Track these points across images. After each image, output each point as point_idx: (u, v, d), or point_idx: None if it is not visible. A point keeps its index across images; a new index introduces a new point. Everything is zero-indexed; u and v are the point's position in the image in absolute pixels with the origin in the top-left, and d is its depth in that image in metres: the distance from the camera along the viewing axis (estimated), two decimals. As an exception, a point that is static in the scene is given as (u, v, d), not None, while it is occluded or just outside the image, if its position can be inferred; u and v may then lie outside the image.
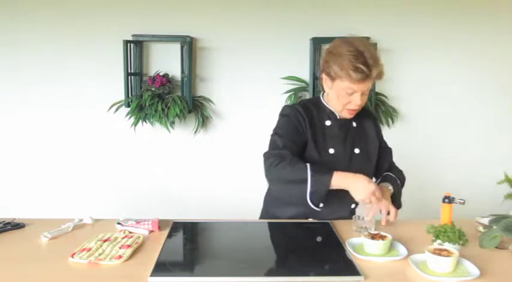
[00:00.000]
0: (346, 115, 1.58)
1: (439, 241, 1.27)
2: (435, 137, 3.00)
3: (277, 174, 1.48)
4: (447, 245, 1.24)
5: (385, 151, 1.74)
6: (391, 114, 2.90)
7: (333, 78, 1.51)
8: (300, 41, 2.85)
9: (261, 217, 1.78)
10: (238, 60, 2.89)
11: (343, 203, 1.60)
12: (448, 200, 1.45)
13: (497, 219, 1.36)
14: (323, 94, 1.65)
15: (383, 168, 1.71)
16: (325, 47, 2.82)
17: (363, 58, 1.43)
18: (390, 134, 2.92)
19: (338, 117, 1.62)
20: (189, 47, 2.75)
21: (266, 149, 1.59)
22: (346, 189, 1.44)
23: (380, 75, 1.48)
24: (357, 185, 1.42)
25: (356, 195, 1.43)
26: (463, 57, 2.94)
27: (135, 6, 2.81)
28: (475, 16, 2.89)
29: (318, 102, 1.64)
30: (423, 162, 2.99)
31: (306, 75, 2.87)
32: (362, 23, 2.85)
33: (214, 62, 2.89)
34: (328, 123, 1.61)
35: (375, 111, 2.83)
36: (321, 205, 1.47)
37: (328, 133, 1.60)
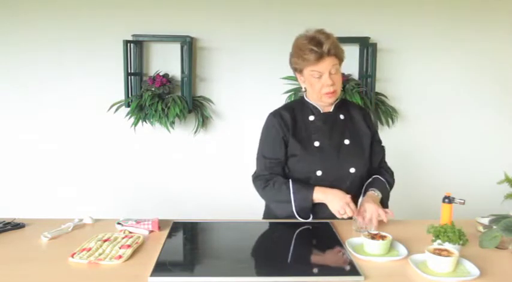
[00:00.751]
0: (327, 99, 1.61)
1: (439, 241, 1.27)
2: (435, 137, 3.00)
3: (266, 196, 1.67)
4: (447, 245, 1.25)
5: (377, 146, 1.75)
6: (391, 114, 2.90)
7: (300, 71, 1.61)
8: (300, 41, 2.85)
9: (264, 217, 1.78)
10: (238, 60, 2.89)
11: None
12: (448, 200, 1.46)
13: (497, 219, 1.36)
14: (304, 93, 1.71)
15: (373, 164, 1.72)
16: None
17: (314, 40, 1.53)
18: (390, 134, 2.92)
19: (321, 111, 1.67)
20: (189, 47, 2.75)
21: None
22: (323, 201, 1.56)
23: (336, 51, 1.54)
24: (332, 198, 1.54)
25: (331, 207, 1.54)
26: (463, 57, 2.94)
27: (135, 6, 2.81)
28: (475, 16, 2.89)
29: (302, 100, 1.72)
30: (423, 162, 2.99)
31: (306, 75, 2.87)
32: (362, 23, 2.85)
33: (214, 62, 2.89)
34: (311, 118, 1.67)
35: (374, 111, 2.83)
36: (311, 217, 1.60)
37: (312, 127, 1.65)
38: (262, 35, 2.86)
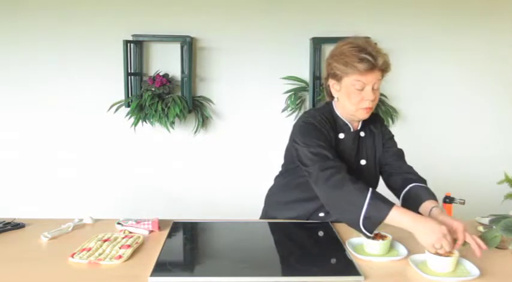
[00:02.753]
0: (362, 115, 1.48)
1: (439, 241, 1.27)
2: (435, 137, 3.00)
3: (336, 188, 1.34)
4: (447, 245, 1.24)
5: (390, 152, 1.63)
6: (391, 114, 2.90)
7: (339, 78, 1.46)
8: (300, 41, 2.85)
9: (261, 219, 1.77)
10: (238, 60, 2.89)
11: None
12: (448, 200, 1.46)
13: (497, 219, 1.36)
14: (334, 104, 1.57)
15: (381, 170, 1.63)
16: (325, 47, 2.84)
17: (365, 50, 1.41)
18: (390, 134, 2.92)
19: (351, 129, 1.55)
20: (189, 47, 2.75)
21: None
22: (407, 229, 1.25)
23: (387, 66, 1.44)
24: (425, 229, 1.21)
25: (424, 240, 1.21)
26: (463, 57, 2.94)
27: (135, 6, 2.81)
28: (475, 16, 2.89)
29: (331, 112, 1.56)
30: (423, 162, 2.95)
31: (306, 75, 2.87)
32: (362, 23, 2.85)
33: (214, 62, 2.89)
34: (341, 136, 1.54)
35: (375, 111, 2.83)
36: (374, 232, 1.30)
37: (341, 146, 1.53)
38: (262, 35, 2.86)
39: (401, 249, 1.31)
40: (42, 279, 1.12)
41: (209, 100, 2.89)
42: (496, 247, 1.33)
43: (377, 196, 1.29)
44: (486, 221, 1.48)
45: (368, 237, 1.28)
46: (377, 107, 2.85)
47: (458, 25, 2.90)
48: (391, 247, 1.32)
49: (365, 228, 1.28)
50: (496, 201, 1.62)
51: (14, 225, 1.48)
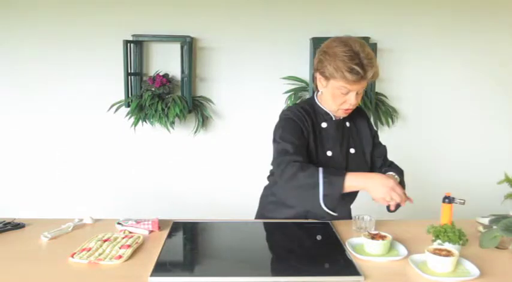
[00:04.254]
0: (341, 114, 1.56)
1: (439, 241, 1.27)
2: (435, 137, 3.00)
3: (290, 180, 1.42)
4: (447, 245, 1.24)
5: (377, 147, 1.70)
6: (391, 114, 2.90)
7: (327, 78, 1.49)
8: (300, 41, 2.85)
9: (257, 218, 1.77)
10: (238, 60, 2.89)
11: (341, 203, 1.58)
12: (448, 200, 1.45)
13: (497, 219, 1.36)
14: (317, 94, 1.62)
15: (376, 166, 1.69)
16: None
17: (358, 59, 1.41)
18: (390, 134, 2.92)
19: (333, 118, 1.59)
20: (189, 47, 2.75)
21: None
22: (362, 189, 1.39)
23: (375, 76, 1.46)
24: (374, 183, 1.35)
25: (375, 194, 1.36)
26: (463, 57, 2.94)
27: (135, 6, 2.81)
28: (475, 16, 2.89)
29: (313, 103, 1.61)
30: (423, 162, 2.99)
31: (306, 75, 2.87)
32: (362, 23, 2.85)
33: (214, 62, 2.89)
34: (324, 125, 1.59)
35: (374, 111, 2.83)
36: (337, 212, 1.41)
37: (324, 135, 1.58)
38: (262, 35, 2.86)
39: (401, 249, 1.31)
40: (42, 279, 1.12)
41: (209, 100, 2.89)
42: (496, 247, 1.33)
43: (328, 173, 1.38)
44: (486, 221, 1.48)
45: (333, 216, 1.40)
46: (377, 107, 2.86)
47: (458, 25, 2.90)
48: (391, 247, 1.32)
49: (328, 208, 1.38)
50: (496, 201, 1.62)
51: (14, 225, 1.48)
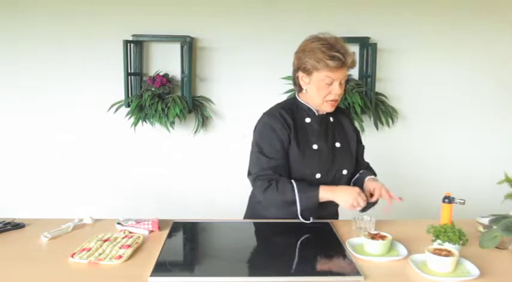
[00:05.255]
0: (327, 108, 1.62)
1: (439, 241, 1.27)
2: (435, 137, 3.00)
3: (267, 198, 1.58)
4: (447, 245, 1.25)
5: (360, 147, 1.78)
6: (391, 114, 2.90)
7: (310, 72, 1.57)
8: (300, 41, 2.83)
9: (245, 218, 1.78)
10: (238, 60, 2.89)
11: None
12: (448, 200, 1.46)
13: (497, 219, 1.36)
14: (297, 93, 1.71)
15: (359, 163, 1.76)
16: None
17: (335, 49, 1.52)
18: (390, 134, 2.92)
19: (316, 113, 1.66)
20: (189, 47, 2.75)
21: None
22: (333, 200, 1.54)
23: (353, 64, 1.57)
24: (341, 194, 1.52)
25: (343, 203, 1.52)
26: (463, 57, 2.94)
27: (135, 6, 2.81)
28: (475, 16, 2.89)
29: (295, 102, 1.69)
30: (423, 162, 2.98)
31: (306, 75, 2.87)
32: (362, 23, 2.84)
33: (214, 62, 2.89)
34: (308, 120, 1.65)
35: (374, 111, 2.83)
36: (311, 219, 1.56)
37: (309, 130, 1.64)
38: (262, 35, 2.86)
39: (401, 249, 1.31)
40: (42, 279, 1.12)
41: (209, 100, 2.89)
42: (496, 247, 1.34)
43: (302, 188, 1.53)
44: (486, 221, 1.49)
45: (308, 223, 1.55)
46: (377, 107, 2.86)
47: (458, 25, 2.90)
48: (391, 247, 1.32)
49: (304, 219, 1.55)
50: (496, 201, 1.62)
51: (14, 225, 1.49)
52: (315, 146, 1.62)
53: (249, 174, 1.67)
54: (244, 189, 2.94)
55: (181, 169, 2.96)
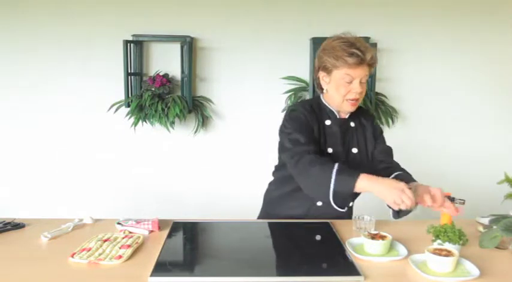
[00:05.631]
0: (348, 107, 1.57)
1: (439, 241, 1.27)
2: (435, 137, 3.00)
3: (304, 171, 1.45)
4: (447, 245, 1.24)
5: (379, 148, 1.69)
6: (391, 114, 2.90)
7: (329, 71, 1.54)
8: (300, 41, 2.85)
9: (260, 217, 1.78)
10: (238, 60, 2.89)
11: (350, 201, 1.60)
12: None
13: (497, 219, 1.36)
14: (322, 96, 1.65)
15: (376, 165, 1.67)
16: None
17: (355, 46, 1.49)
18: (390, 134, 2.91)
19: (338, 116, 1.62)
20: (189, 47, 2.75)
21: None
22: (373, 192, 1.36)
23: (374, 61, 1.53)
24: (384, 188, 1.33)
25: (386, 197, 1.33)
26: (463, 57, 2.94)
27: (135, 6, 2.81)
28: (475, 16, 2.89)
29: (319, 101, 1.65)
30: (423, 162, 2.98)
31: (306, 75, 2.87)
32: (362, 23, 2.85)
33: (214, 62, 2.89)
34: (328, 122, 1.61)
35: (374, 111, 2.83)
36: (346, 208, 1.50)
37: (328, 133, 1.60)
38: (262, 35, 2.86)
39: (401, 249, 1.31)
40: (42, 279, 1.12)
41: (209, 100, 2.89)
42: (496, 247, 1.33)
43: (342, 171, 1.38)
44: (486, 221, 1.49)
45: (336, 213, 1.50)
46: (377, 107, 2.86)
47: (458, 25, 2.90)
48: (391, 247, 1.32)
49: (336, 204, 1.44)
50: (496, 201, 1.62)
51: (14, 225, 1.48)
52: (329, 150, 1.58)
53: (285, 150, 1.54)
54: (244, 189, 2.96)
55: (181, 169, 2.96)
